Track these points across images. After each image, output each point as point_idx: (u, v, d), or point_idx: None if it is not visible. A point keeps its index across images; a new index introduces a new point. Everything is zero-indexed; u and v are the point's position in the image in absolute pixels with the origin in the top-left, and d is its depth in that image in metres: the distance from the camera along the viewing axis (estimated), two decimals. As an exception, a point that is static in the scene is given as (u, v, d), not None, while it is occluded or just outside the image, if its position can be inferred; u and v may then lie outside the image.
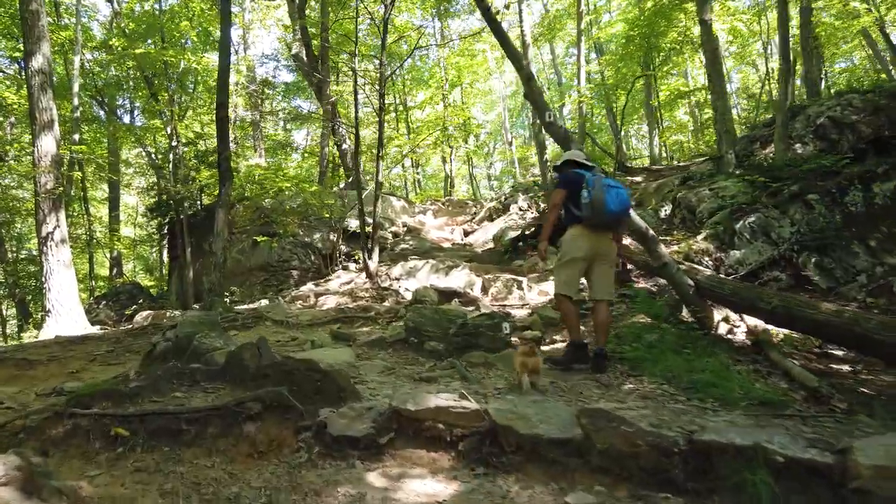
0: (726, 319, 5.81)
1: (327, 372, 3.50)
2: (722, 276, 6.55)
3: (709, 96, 23.38)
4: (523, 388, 3.95)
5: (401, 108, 29.02)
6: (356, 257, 14.69)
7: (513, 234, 15.02)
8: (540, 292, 8.85)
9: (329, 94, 17.64)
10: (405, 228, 18.05)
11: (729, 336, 5.57)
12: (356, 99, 10.68)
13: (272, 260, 15.67)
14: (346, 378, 3.66)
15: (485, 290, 9.04)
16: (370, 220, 10.89)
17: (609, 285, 4.86)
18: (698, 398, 3.79)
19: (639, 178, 16.77)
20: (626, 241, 9.24)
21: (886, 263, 7.11)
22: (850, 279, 7.04)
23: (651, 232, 5.88)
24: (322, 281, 13.25)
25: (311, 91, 22.72)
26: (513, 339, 5.44)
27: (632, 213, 5.84)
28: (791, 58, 9.69)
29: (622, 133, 22.52)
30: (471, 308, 7.99)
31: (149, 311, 11.78)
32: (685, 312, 6.36)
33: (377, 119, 10.20)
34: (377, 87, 10.51)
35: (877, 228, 7.60)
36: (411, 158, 31.86)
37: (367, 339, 6.18)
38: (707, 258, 8.04)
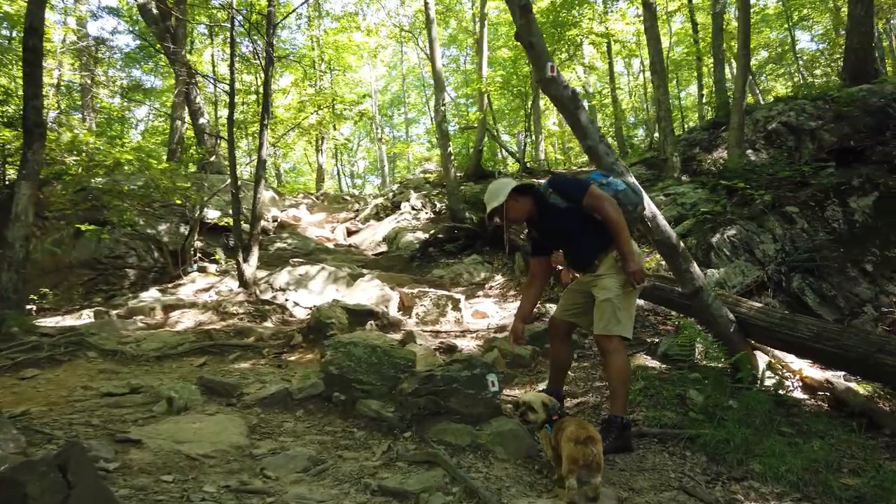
0: (771, 366, 4.46)
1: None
2: (777, 309, 5.23)
3: (606, 101, 23.46)
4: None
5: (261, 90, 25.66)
6: (216, 256, 12.05)
7: (412, 236, 13.28)
8: (476, 313, 7.13)
9: (184, 52, 14.69)
10: (276, 223, 15.52)
11: (788, 392, 4.20)
12: (232, 48, 8.25)
13: (101, 255, 12.49)
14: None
15: (405, 308, 7.13)
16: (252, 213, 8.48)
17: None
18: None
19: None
20: None
21: (890, 292, 6.29)
22: (857, 309, 6.12)
23: (682, 244, 4.39)
24: (170, 286, 10.52)
25: (159, 58, 19.29)
26: (498, 397, 3.66)
27: (659, 218, 4.32)
28: (749, 48, 8.89)
29: (525, 135, 21.68)
30: (396, 336, 6.06)
31: None
32: (697, 352, 4.98)
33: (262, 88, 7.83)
34: (261, 40, 8.20)
35: (867, 249, 6.83)
36: (273, 146, 28.87)
37: (262, 395, 4.04)
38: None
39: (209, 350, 5.81)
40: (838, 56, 14.00)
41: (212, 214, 12.95)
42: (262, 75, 8.49)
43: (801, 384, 4.31)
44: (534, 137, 22.05)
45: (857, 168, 7.94)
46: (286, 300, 7.52)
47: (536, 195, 3.54)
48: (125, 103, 26.68)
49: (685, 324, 4.17)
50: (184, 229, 12.49)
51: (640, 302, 6.47)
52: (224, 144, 13.43)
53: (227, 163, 13.38)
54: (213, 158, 13.14)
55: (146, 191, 11.78)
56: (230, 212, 9.72)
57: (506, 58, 19.06)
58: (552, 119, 27.58)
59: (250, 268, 7.64)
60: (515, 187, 3.48)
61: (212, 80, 13.63)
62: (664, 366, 4.72)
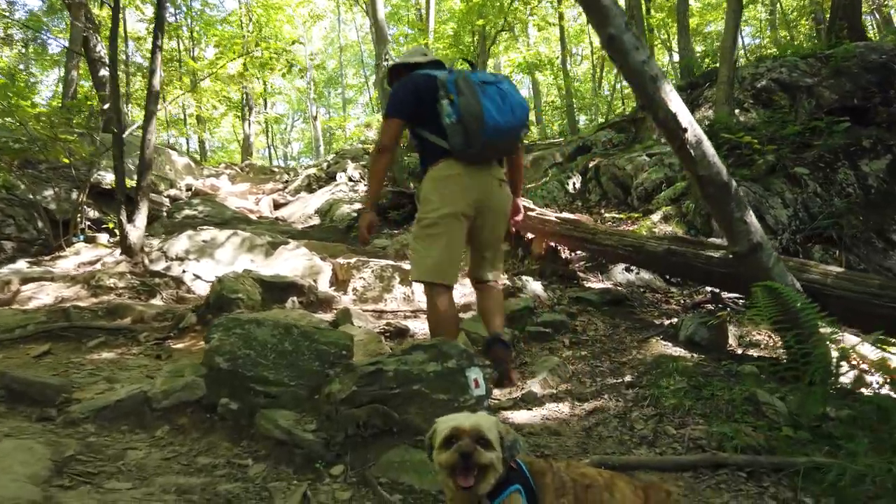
0: (845, 355, 3.29)
1: None
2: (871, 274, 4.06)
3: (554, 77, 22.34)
4: None
5: (185, 61, 22.97)
6: (109, 225, 10.17)
7: (349, 208, 11.79)
8: (428, 289, 5.74)
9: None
10: (190, 192, 13.64)
11: (874, 391, 3.04)
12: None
13: (-36, 223, 10.42)
14: None
15: (339, 282, 5.67)
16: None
17: (499, 257, 3.24)
18: None
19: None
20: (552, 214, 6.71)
21: (924, 266, 5.35)
22: (892, 286, 5.11)
23: (735, 184, 3.16)
24: (47, 259, 8.65)
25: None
26: (486, 404, 2.32)
27: (705, 145, 3.07)
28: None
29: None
30: (326, 316, 4.62)
31: None
32: (731, 336, 3.80)
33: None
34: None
35: (888, 217, 5.90)
36: (197, 116, 26.54)
37: (102, 403, 2.55)
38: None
39: (60, 334, 4.23)
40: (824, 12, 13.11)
41: (109, 178, 11.01)
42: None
43: (888, 381, 3.16)
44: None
45: (861, 129, 7.06)
46: (184, 272, 5.92)
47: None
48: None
49: (758, 291, 2.95)
50: (77, 197, 10.53)
51: (645, 276, 5.30)
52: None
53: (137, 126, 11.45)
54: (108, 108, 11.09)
55: (24, 145, 9.72)
56: (141, 183, 7.79)
57: (456, 10, 17.51)
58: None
59: (136, 230, 5.98)
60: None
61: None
62: (693, 354, 3.51)
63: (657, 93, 3.00)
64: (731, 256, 3.35)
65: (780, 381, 2.94)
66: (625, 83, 23.51)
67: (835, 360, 3.13)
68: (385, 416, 2.24)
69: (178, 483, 1.99)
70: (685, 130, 3.03)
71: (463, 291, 5.73)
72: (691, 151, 3.05)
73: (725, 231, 3.22)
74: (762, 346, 3.77)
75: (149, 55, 10.19)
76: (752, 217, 3.14)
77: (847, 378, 3.05)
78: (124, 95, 13.77)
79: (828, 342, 3.07)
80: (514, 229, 3.28)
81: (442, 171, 2.87)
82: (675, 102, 3.02)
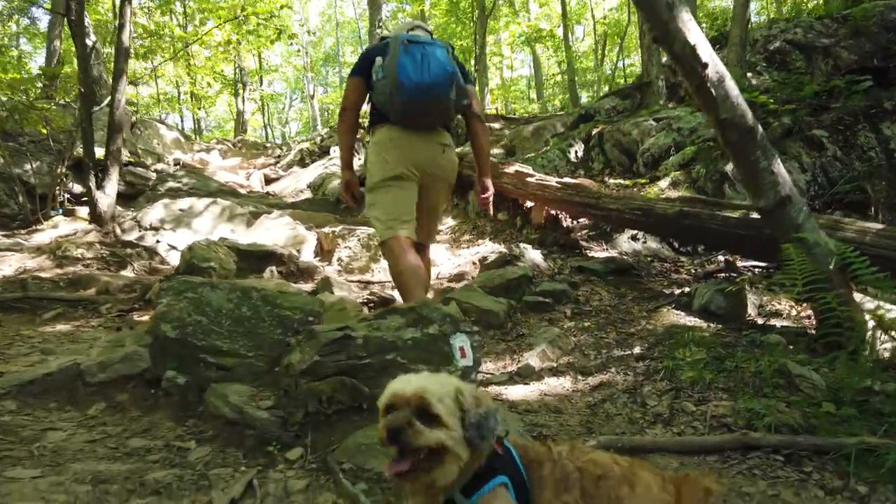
0: (882, 323, 2.94)
1: None
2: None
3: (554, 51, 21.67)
4: None
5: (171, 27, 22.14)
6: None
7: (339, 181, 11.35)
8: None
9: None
10: (178, 166, 13.21)
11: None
12: None
13: (-58, 197, 10.05)
14: None
15: (324, 253, 5.30)
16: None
17: (434, 226, 3.26)
18: None
19: (496, 125, 14.10)
20: (557, 179, 6.35)
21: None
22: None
23: (761, 129, 2.79)
24: (23, 233, 8.29)
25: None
26: (474, 376, 1.97)
27: (728, 84, 2.68)
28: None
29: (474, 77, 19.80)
30: (306, 286, 4.27)
31: None
32: (750, 305, 3.45)
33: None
34: None
35: (913, 182, 5.53)
36: (191, 93, 25.92)
37: (29, 377, 2.20)
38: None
39: (13, 305, 3.88)
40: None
41: (96, 152, 10.63)
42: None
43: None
44: (478, 87, 20.25)
45: (882, 90, 6.66)
46: (157, 242, 5.55)
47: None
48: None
49: (791, 248, 2.58)
50: (61, 172, 10.13)
51: (653, 245, 4.94)
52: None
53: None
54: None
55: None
56: (111, 147, 7.30)
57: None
58: (495, 80, 25.89)
59: (107, 198, 5.60)
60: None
61: None
62: (710, 324, 3.16)
63: (673, 21, 2.62)
64: (751, 217, 2.98)
65: (812, 352, 2.60)
66: (628, 60, 23.00)
67: (871, 328, 2.79)
68: (353, 391, 1.89)
69: (97, 471, 1.64)
70: (705, 66, 2.65)
71: (456, 262, 5.39)
72: (712, 91, 2.67)
73: (749, 184, 2.84)
74: (784, 315, 3.41)
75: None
76: (780, 167, 2.76)
77: (886, 348, 2.71)
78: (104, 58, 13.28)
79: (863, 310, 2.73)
80: (484, 208, 3.20)
81: (381, 135, 2.92)
82: (693, 33, 2.63)
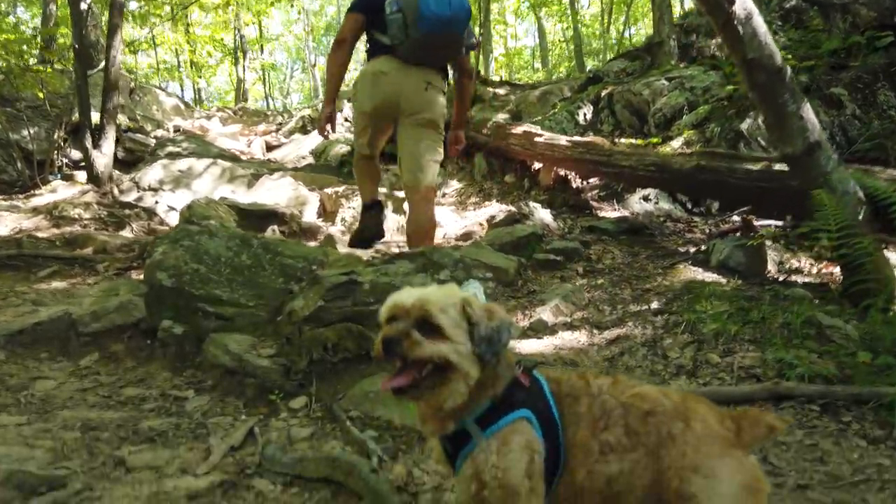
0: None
1: None
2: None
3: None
4: None
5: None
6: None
7: (346, 148, 11.16)
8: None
9: None
10: (178, 132, 13.02)
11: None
12: None
13: (-62, 162, 9.92)
14: None
15: (327, 214, 5.18)
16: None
17: (418, 160, 2.96)
18: None
19: (502, 91, 13.83)
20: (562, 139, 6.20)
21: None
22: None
23: (790, 71, 2.63)
24: (21, 197, 8.17)
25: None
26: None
27: (756, 21, 2.52)
28: None
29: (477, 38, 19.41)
30: (310, 243, 4.14)
31: None
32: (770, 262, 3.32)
33: None
34: None
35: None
36: (191, 62, 25.54)
37: (19, 326, 2.10)
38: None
39: (7, 263, 3.77)
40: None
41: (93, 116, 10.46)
42: None
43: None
44: (482, 54, 19.87)
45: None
46: (156, 203, 5.43)
47: None
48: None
49: (822, 195, 2.45)
50: (59, 137, 9.97)
51: (665, 205, 4.81)
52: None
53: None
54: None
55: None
56: (106, 105, 7.07)
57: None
58: (499, 49, 25.42)
59: (103, 157, 5.47)
60: None
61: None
62: (729, 280, 3.04)
63: (701, -48, 2.44)
64: (774, 170, 2.83)
65: (839, 306, 2.48)
66: (633, 29, 22.49)
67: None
68: (359, 338, 1.78)
69: (87, 418, 1.55)
70: (732, 2, 2.48)
71: (463, 223, 5.26)
72: (739, 29, 2.51)
73: (776, 130, 2.69)
74: (805, 272, 3.29)
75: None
76: (809, 111, 2.61)
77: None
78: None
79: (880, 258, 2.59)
80: (452, 156, 3.62)
81: (373, 66, 2.96)
82: (721, -35, 2.46)
